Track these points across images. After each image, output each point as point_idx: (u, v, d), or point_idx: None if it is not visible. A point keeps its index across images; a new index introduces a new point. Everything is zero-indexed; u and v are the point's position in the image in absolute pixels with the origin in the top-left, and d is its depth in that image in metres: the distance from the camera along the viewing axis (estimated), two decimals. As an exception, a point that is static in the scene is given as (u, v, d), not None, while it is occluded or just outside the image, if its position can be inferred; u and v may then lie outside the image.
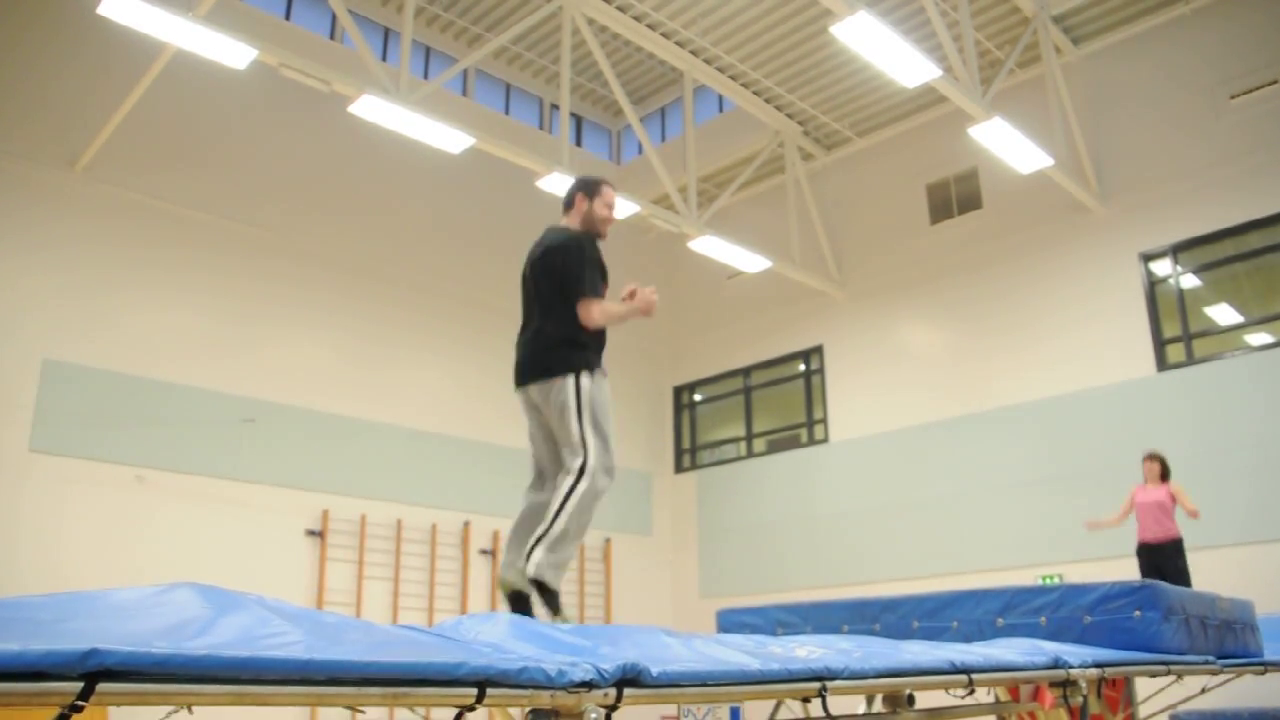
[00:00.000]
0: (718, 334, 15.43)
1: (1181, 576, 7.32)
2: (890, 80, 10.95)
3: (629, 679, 2.00)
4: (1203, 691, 5.92)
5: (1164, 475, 8.02)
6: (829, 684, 2.44)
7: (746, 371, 15.16)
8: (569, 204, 4.05)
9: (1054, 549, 10.87)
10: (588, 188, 4.05)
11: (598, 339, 3.88)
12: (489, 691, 1.79)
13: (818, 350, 14.25)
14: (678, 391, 15.99)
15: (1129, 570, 8.02)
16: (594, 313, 3.75)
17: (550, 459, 3.82)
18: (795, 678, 2.40)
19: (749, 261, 12.85)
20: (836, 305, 14.03)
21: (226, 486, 10.65)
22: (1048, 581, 10.02)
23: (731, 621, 5.56)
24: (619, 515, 14.45)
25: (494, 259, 13.69)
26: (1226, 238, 10.80)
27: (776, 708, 4.88)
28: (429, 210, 13.26)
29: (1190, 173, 11.01)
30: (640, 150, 14.53)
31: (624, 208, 11.45)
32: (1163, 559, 7.46)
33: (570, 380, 3.69)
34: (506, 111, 14.64)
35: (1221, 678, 5.45)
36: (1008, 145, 10.36)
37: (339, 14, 9.48)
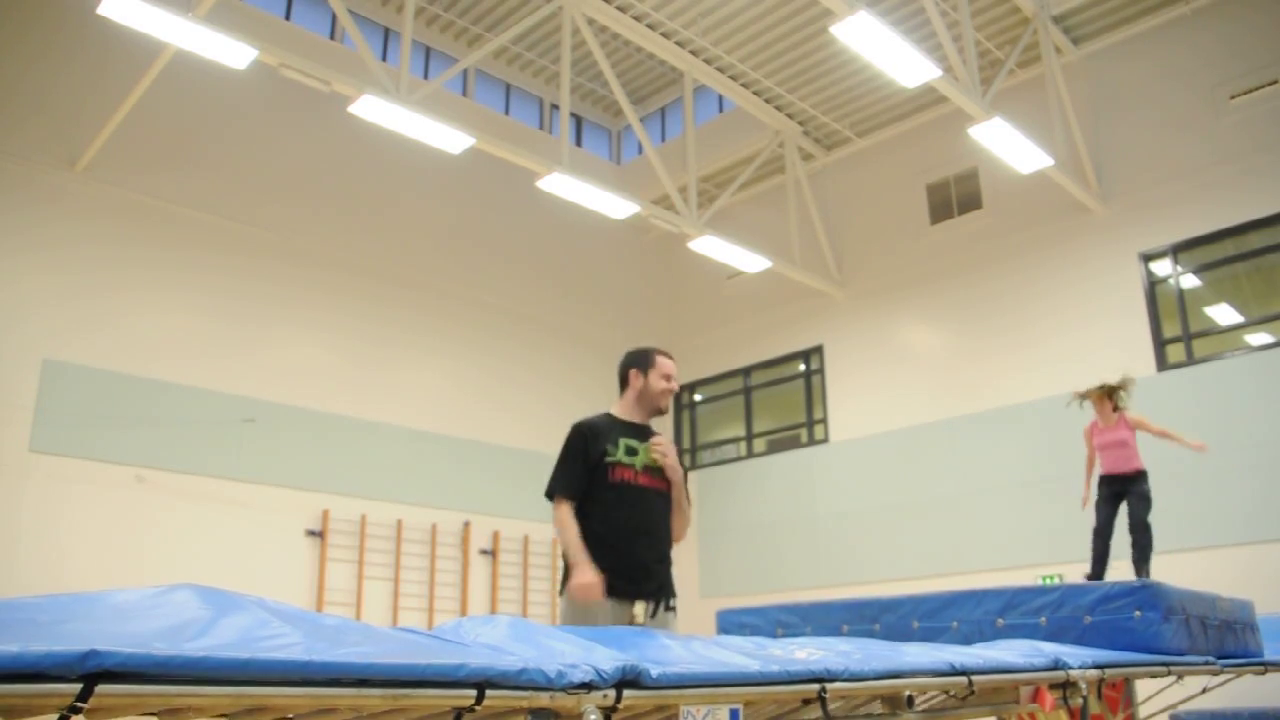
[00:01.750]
0: (718, 334, 15.43)
1: (1144, 500, 6.84)
2: (890, 80, 10.95)
3: (628, 680, 2.00)
4: (1203, 691, 5.92)
5: (1115, 408, 7.12)
6: (828, 685, 2.44)
7: (746, 371, 15.16)
8: (623, 382, 3.81)
9: (1054, 549, 10.87)
10: (640, 362, 3.79)
11: (589, 543, 3.48)
12: (488, 693, 1.79)
13: (818, 350, 14.25)
14: (678, 391, 15.98)
15: (1129, 570, 8.01)
16: (555, 518, 3.55)
17: None
18: (795, 679, 2.40)
19: (749, 261, 12.85)
20: (836, 305, 14.03)
21: (226, 486, 10.65)
22: (1048, 581, 10.02)
23: (731, 622, 5.56)
24: (619, 515, 14.45)
25: (494, 259, 13.71)
26: (1226, 238, 10.80)
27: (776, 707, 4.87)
28: (429, 210, 13.26)
29: (1190, 173, 11.01)
30: (640, 150, 14.53)
31: (624, 208, 11.46)
32: (1124, 485, 7.06)
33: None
34: (506, 111, 14.64)
35: (1221, 678, 5.45)
36: (1008, 145, 10.36)
37: (339, 14, 9.48)
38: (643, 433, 3.72)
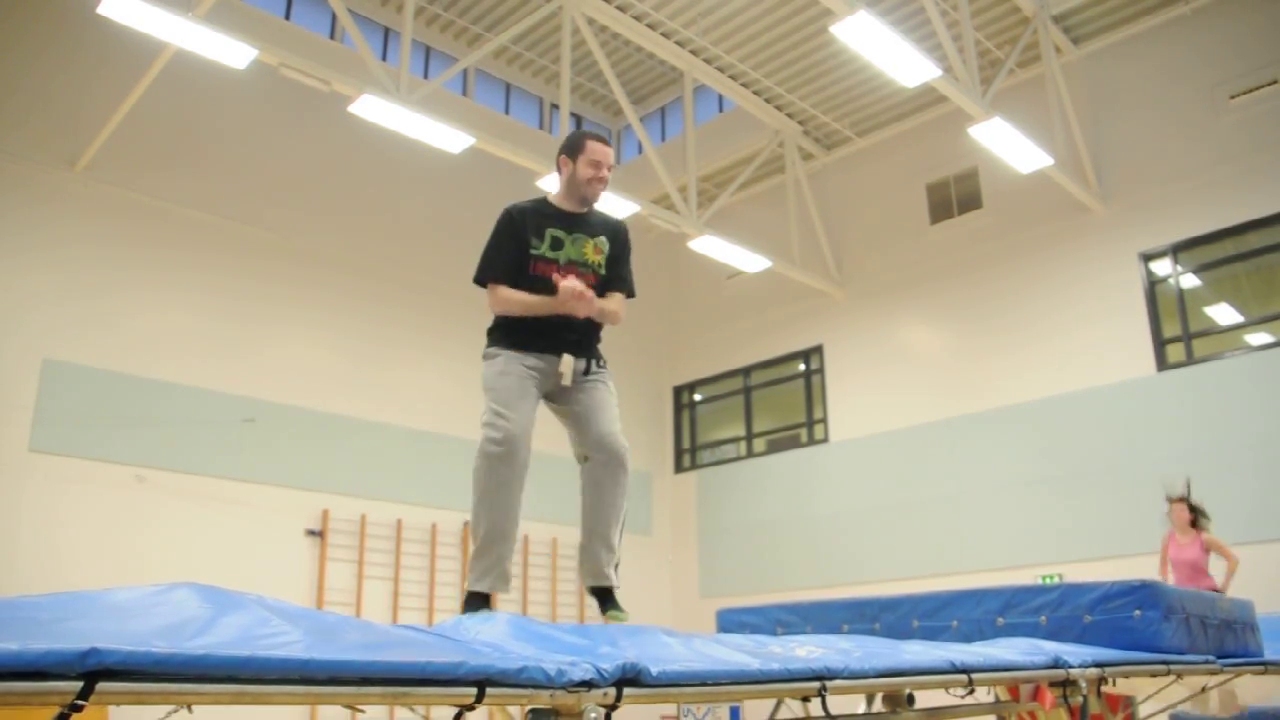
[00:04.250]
0: (718, 334, 15.43)
1: None
2: (890, 80, 10.95)
3: (629, 678, 2.00)
4: (1203, 691, 5.92)
5: (1194, 522, 7.37)
6: (829, 683, 2.44)
7: (746, 371, 15.16)
8: (558, 169, 3.64)
9: (1054, 549, 10.88)
10: (568, 148, 3.57)
11: (505, 324, 3.52)
12: (488, 691, 1.79)
13: (818, 350, 14.25)
14: (678, 391, 15.99)
15: (1129, 570, 8.01)
16: (490, 302, 3.51)
17: None
18: (795, 677, 2.40)
19: (749, 261, 12.85)
20: (836, 305, 14.03)
21: (226, 486, 10.65)
22: (1048, 581, 10.02)
23: (731, 621, 5.55)
24: (619, 515, 14.45)
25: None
26: (1226, 238, 10.80)
27: (776, 707, 4.88)
28: (429, 210, 13.25)
29: (1190, 173, 11.01)
30: (640, 150, 14.53)
31: (624, 207, 11.45)
32: None
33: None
34: (506, 111, 14.64)
35: (1221, 678, 5.45)
36: (1008, 145, 10.36)
37: (339, 14, 9.49)
38: (575, 222, 3.55)
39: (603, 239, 3.61)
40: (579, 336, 3.53)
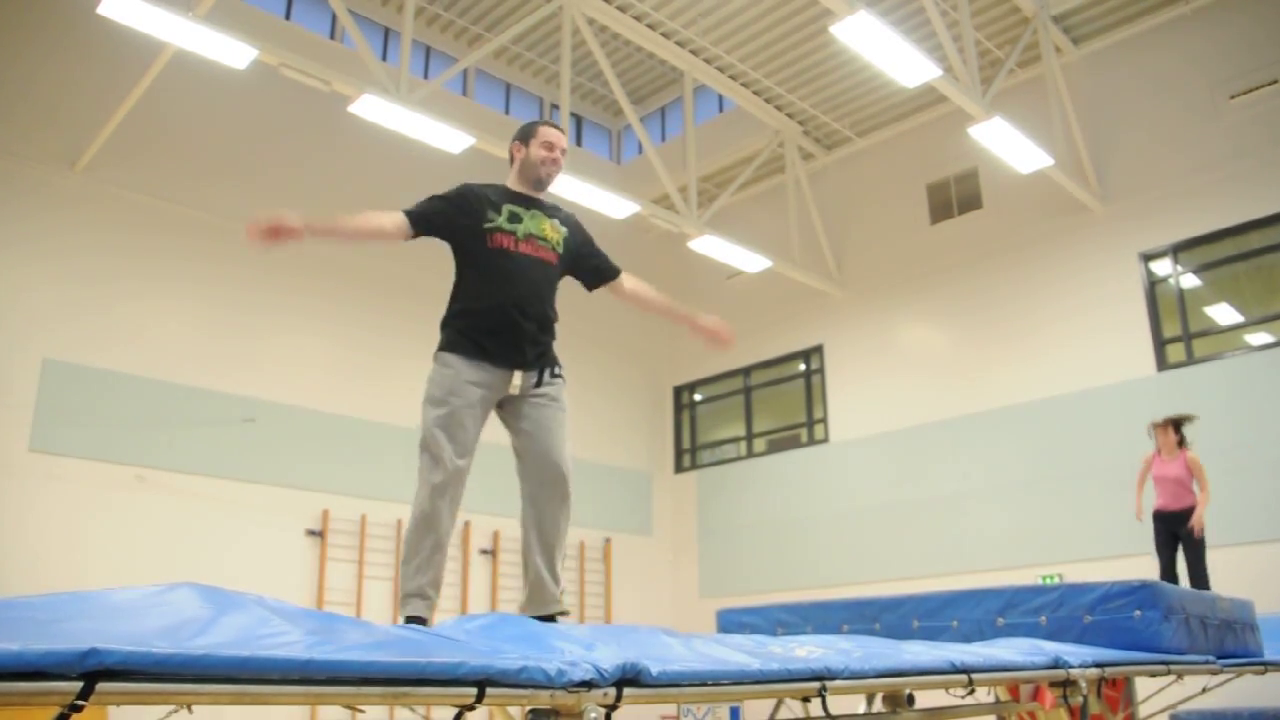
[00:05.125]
0: (718, 334, 15.41)
1: (1199, 548, 7.19)
2: (890, 80, 10.95)
3: (629, 679, 2.00)
4: (1203, 691, 5.92)
5: (1181, 442, 7.45)
6: (829, 684, 2.44)
7: (746, 371, 15.16)
8: (511, 159, 3.65)
9: (1054, 549, 10.87)
10: (521, 134, 3.62)
11: (460, 312, 3.45)
12: (489, 691, 1.79)
13: (818, 350, 14.25)
14: (678, 391, 15.99)
15: (1129, 570, 8.02)
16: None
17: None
18: (795, 677, 2.40)
19: (749, 261, 12.85)
20: (836, 305, 14.03)
21: (226, 486, 10.65)
22: (1048, 581, 10.02)
23: (731, 621, 5.56)
24: (619, 515, 14.46)
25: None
26: (1226, 238, 10.80)
27: (777, 707, 4.88)
28: (429, 210, 13.24)
29: (1190, 173, 11.01)
30: (640, 150, 14.53)
31: (624, 207, 11.46)
32: (1179, 525, 7.35)
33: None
34: (507, 111, 14.64)
35: (1221, 678, 5.45)
36: (1008, 145, 10.36)
37: (339, 14, 9.49)
38: (531, 202, 3.58)
39: (558, 222, 3.62)
40: (535, 336, 3.46)
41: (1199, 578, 7.17)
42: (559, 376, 3.54)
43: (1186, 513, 7.28)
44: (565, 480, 3.48)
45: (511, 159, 3.64)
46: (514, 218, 3.49)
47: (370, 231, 3.60)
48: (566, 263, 3.63)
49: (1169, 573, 7.40)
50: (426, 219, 3.46)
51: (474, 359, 3.37)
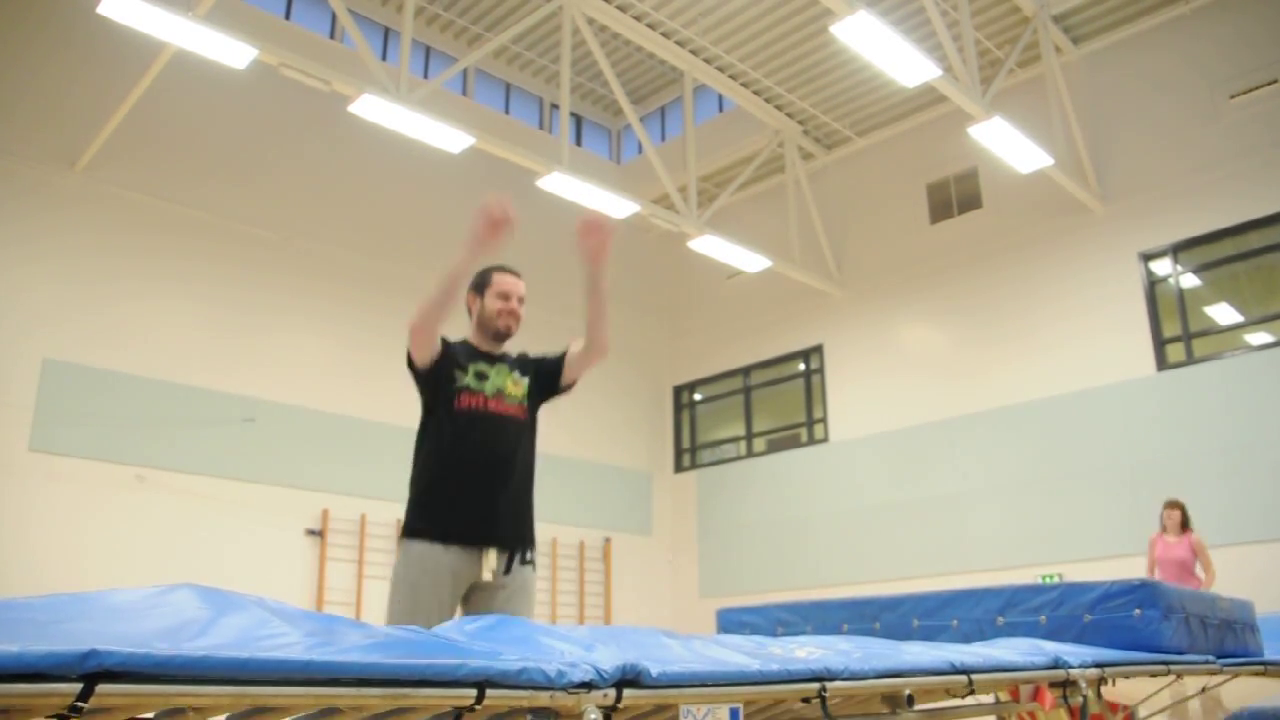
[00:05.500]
0: (718, 334, 15.44)
1: None
2: (890, 80, 10.95)
3: (628, 679, 2.00)
4: (1203, 691, 5.92)
5: (1184, 524, 7.77)
6: (828, 684, 2.44)
7: (746, 371, 15.17)
8: (468, 310, 3.41)
9: (1054, 549, 10.88)
10: (475, 284, 3.37)
11: (426, 489, 3.18)
12: (488, 692, 1.79)
13: (817, 350, 14.25)
14: (678, 391, 16.00)
15: (1129, 569, 8.02)
16: (413, 328, 3.18)
17: None
18: (795, 678, 2.40)
19: (749, 261, 12.85)
20: (836, 305, 14.04)
21: (226, 486, 10.65)
22: (1047, 581, 10.02)
23: (731, 621, 5.56)
24: (619, 515, 14.46)
25: (495, 260, 13.69)
26: (1226, 238, 10.80)
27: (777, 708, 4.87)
28: (428, 210, 13.25)
29: (1190, 173, 11.01)
30: (640, 150, 14.53)
31: (624, 207, 11.46)
32: None
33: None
34: (506, 111, 14.64)
35: (1221, 677, 5.45)
36: (1008, 145, 10.37)
37: (339, 14, 9.49)
38: (495, 359, 3.38)
39: (518, 374, 3.41)
40: (510, 511, 3.24)
41: None
42: (531, 563, 3.28)
43: None
44: None
45: (468, 311, 3.42)
46: (480, 376, 3.31)
47: (450, 303, 3.25)
48: (534, 407, 3.43)
49: None
50: (436, 355, 3.27)
51: (444, 542, 3.12)
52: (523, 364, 3.48)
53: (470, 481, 3.18)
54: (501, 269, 3.44)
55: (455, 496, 3.17)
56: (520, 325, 3.43)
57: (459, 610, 3.21)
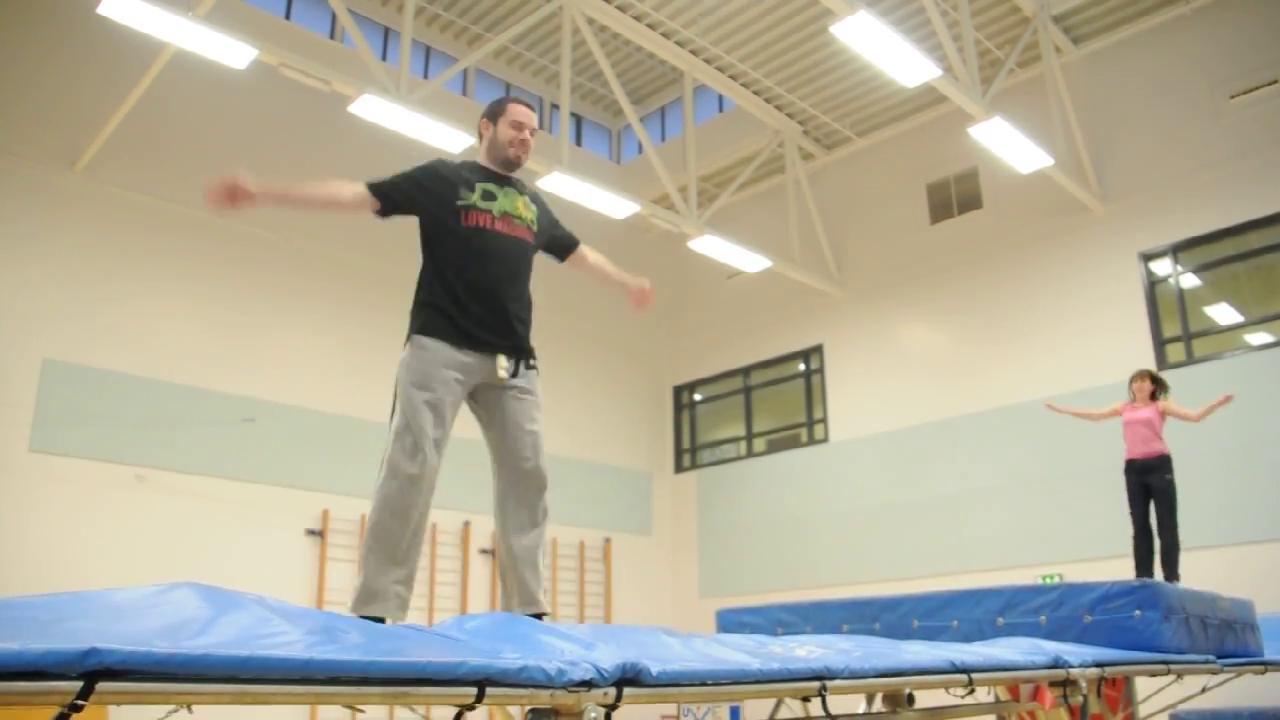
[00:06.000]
0: (718, 334, 15.43)
1: (1169, 490, 7.04)
2: (890, 80, 10.95)
3: (629, 678, 2.00)
4: (1203, 691, 5.92)
5: (1154, 395, 7.39)
6: (829, 683, 2.44)
7: (746, 371, 15.16)
8: (480, 135, 3.55)
9: (1054, 549, 10.87)
10: (490, 111, 3.49)
11: (437, 294, 3.29)
12: (488, 691, 1.79)
13: (818, 350, 14.25)
14: (678, 391, 15.99)
15: (1129, 570, 8.02)
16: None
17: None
18: (795, 677, 2.40)
19: (749, 261, 12.85)
20: (836, 305, 14.03)
21: (226, 486, 10.65)
22: (1048, 581, 10.02)
23: (731, 621, 5.56)
24: (619, 515, 14.46)
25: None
26: (1226, 238, 10.80)
27: (776, 707, 4.88)
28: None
29: (1190, 173, 11.01)
30: (640, 150, 14.53)
31: (624, 207, 11.46)
32: (1149, 474, 7.17)
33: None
34: (506, 111, 14.62)
35: (1221, 677, 5.45)
36: (1008, 145, 10.36)
37: (339, 14, 9.49)
38: (504, 182, 3.48)
39: (529, 199, 3.55)
40: (520, 317, 3.38)
41: (1168, 529, 6.93)
42: (533, 368, 3.43)
43: (1156, 460, 7.12)
44: (542, 477, 3.38)
45: (480, 136, 3.55)
46: (488, 195, 3.39)
47: (326, 199, 3.39)
48: (540, 240, 3.56)
49: (1143, 529, 7.15)
50: (393, 193, 3.36)
51: (455, 343, 3.22)
52: (535, 198, 3.62)
53: (482, 290, 3.29)
54: (516, 99, 3.54)
55: (468, 303, 3.27)
56: (529, 155, 3.55)
57: (465, 407, 3.35)
